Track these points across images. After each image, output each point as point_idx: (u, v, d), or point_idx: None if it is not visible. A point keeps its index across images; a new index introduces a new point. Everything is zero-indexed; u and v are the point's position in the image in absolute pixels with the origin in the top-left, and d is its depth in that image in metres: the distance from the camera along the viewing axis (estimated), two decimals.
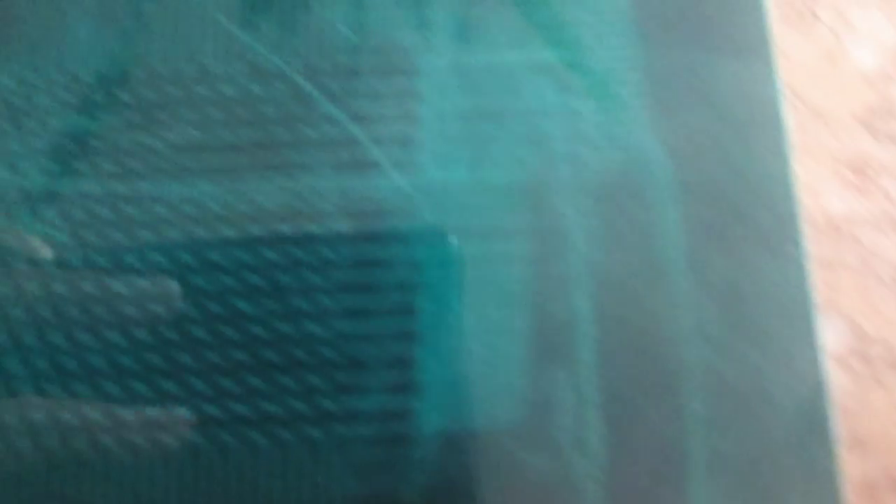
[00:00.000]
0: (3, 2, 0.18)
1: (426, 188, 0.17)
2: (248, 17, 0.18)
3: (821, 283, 0.21)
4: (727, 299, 0.17)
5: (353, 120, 0.18)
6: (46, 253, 0.17)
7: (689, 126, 0.18)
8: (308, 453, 0.16)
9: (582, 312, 0.17)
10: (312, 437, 0.16)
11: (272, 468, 0.16)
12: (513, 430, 0.16)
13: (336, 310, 0.17)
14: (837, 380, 0.20)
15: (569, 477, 0.16)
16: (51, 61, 0.18)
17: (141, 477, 0.16)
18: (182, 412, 0.16)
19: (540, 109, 0.18)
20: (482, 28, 0.18)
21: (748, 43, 0.19)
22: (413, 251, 0.17)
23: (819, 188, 0.22)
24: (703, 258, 0.17)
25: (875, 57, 0.22)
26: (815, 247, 0.20)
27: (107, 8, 0.18)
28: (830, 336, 0.21)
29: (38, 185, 0.17)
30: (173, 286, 0.16)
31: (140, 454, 0.16)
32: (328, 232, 0.17)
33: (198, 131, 0.18)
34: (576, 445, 0.16)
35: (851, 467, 0.20)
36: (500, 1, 0.19)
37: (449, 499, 0.16)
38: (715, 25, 0.19)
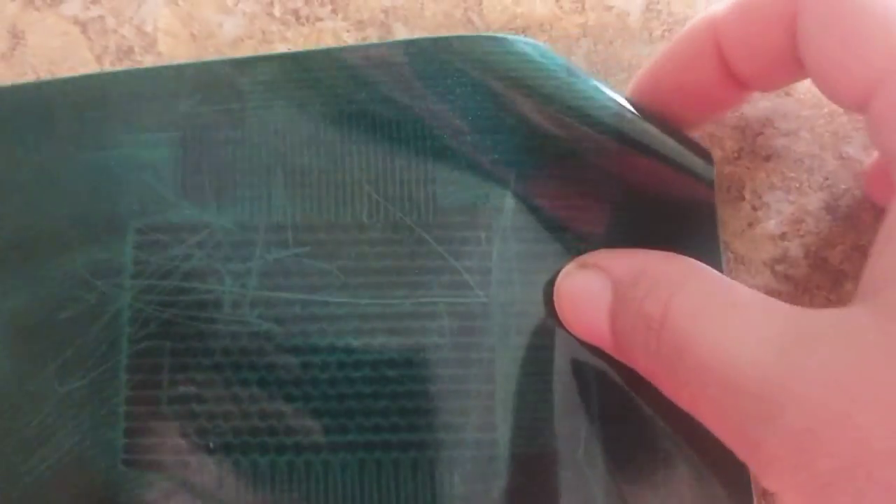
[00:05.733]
0: (222, 168, 0.29)
1: (497, 301, 0.28)
2: (388, 189, 0.29)
3: None
4: None
5: (452, 255, 0.28)
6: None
7: None
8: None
9: None
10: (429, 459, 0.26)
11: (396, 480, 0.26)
12: (551, 456, 0.26)
13: (432, 375, 0.27)
14: None
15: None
16: (263, 212, 0.28)
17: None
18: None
19: None
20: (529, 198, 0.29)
21: None
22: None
23: None
24: None
25: None
26: None
27: (297, 178, 0.29)
28: None
29: (250, 291, 0.28)
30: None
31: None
32: (440, 326, 0.28)
33: (353, 261, 0.28)
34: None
35: None
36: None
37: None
38: None
